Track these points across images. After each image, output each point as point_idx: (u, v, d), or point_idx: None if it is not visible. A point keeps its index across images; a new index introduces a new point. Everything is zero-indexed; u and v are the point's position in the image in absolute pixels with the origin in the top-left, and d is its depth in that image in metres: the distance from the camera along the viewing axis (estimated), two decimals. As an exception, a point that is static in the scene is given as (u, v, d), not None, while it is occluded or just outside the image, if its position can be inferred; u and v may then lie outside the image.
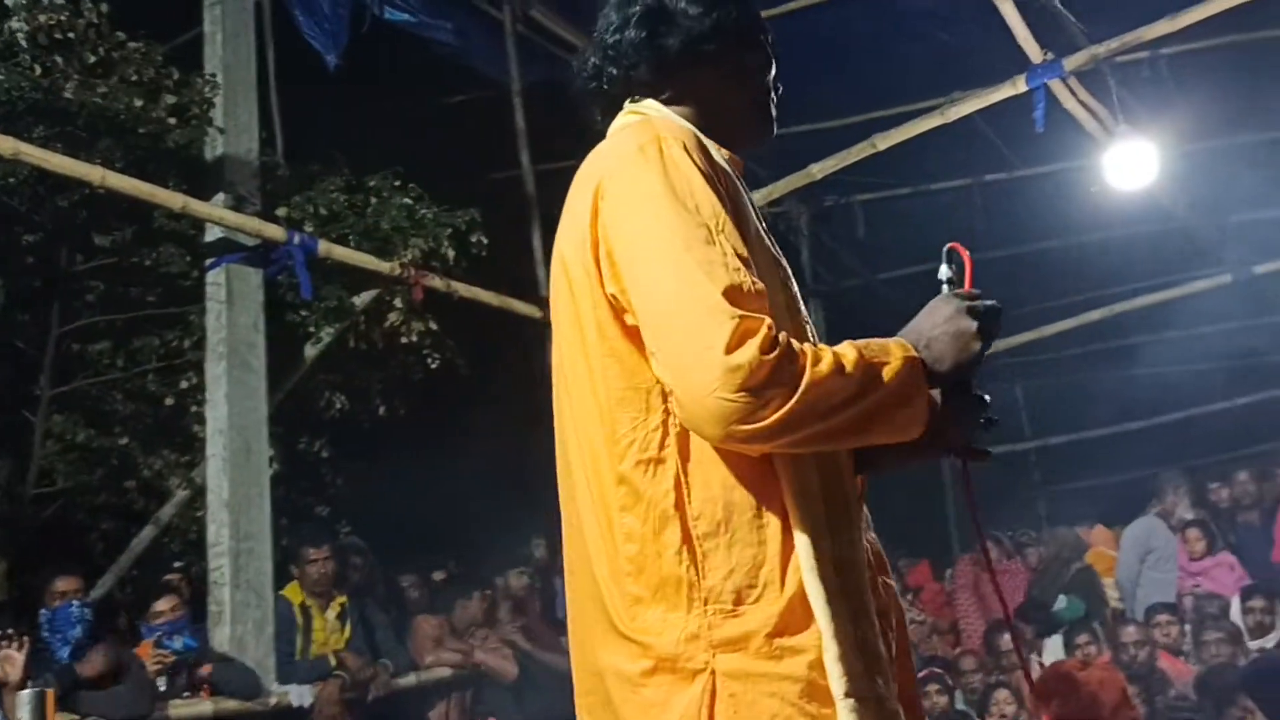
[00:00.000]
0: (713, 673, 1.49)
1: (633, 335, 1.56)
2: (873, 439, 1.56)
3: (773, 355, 1.43)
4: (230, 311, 5.34)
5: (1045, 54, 6.05)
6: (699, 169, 1.58)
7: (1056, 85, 6.12)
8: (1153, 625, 6.61)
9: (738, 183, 1.69)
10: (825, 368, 1.47)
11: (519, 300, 7.11)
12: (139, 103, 5.20)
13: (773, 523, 1.54)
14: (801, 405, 1.44)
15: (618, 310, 1.58)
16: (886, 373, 1.52)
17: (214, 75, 5.49)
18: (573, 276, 1.65)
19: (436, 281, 6.15)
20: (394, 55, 7.14)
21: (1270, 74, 7.42)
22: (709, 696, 1.48)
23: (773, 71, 1.87)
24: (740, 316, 1.45)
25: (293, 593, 5.68)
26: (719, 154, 1.70)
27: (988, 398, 1.72)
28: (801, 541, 1.53)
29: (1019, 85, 6.16)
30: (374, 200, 6.08)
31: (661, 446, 1.56)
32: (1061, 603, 7.15)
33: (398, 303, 6.11)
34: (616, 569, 1.58)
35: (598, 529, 1.61)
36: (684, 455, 1.56)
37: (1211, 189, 8.34)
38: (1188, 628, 6.74)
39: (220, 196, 5.38)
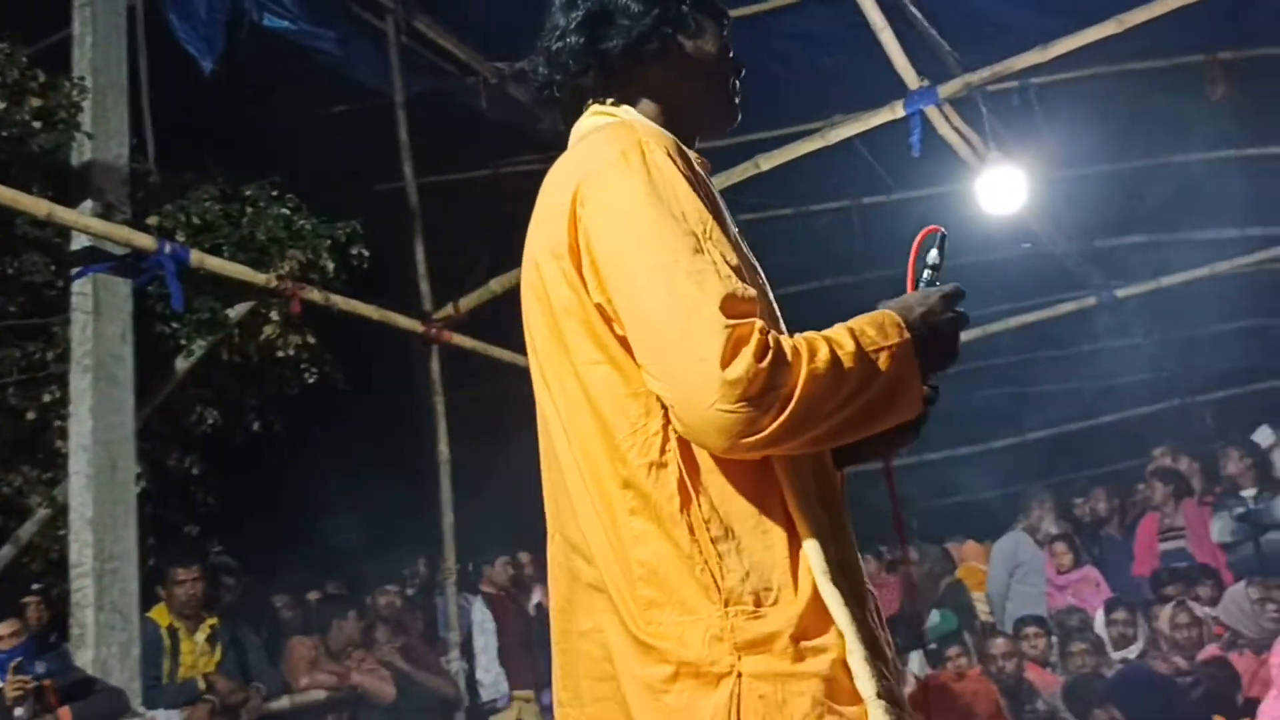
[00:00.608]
0: (739, 675, 1.46)
1: (625, 343, 1.53)
2: (877, 427, 1.55)
3: (767, 361, 1.41)
4: (97, 322, 5.14)
5: (922, 81, 6.23)
6: (683, 174, 1.56)
7: (932, 112, 6.30)
8: (1021, 638, 6.80)
9: (711, 186, 1.67)
10: (822, 364, 1.44)
11: (400, 314, 7.02)
12: (2, 105, 4.99)
13: (775, 528, 1.53)
14: (802, 407, 1.43)
15: (607, 319, 1.54)
16: (884, 359, 1.50)
17: (83, 78, 5.29)
18: (547, 279, 1.61)
19: (315, 294, 6.03)
20: (273, 63, 6.99)
21: (1133, 105, 7.75)
22: (736, 700, 1.45)
23: (729, 56, 1.82)
24: (732, 325, 1.42)
25: (160, 614, 5.50)
26: (695, 159, 1.68)
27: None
28: (810, 546, 1.52)
29: (897, 111, 6.33)
30: (250, 210, 5.93)
31: (663, 451, 1.53)
32: (935, 618, 7.30)
33: (274, 315, 5.98)
34: (628, 573, 1.54)
35: (603, 533, 1.57)
36: (686, 459, 1.53)
37: (1078, 214, 8.67)
38: (1054, 639, 6.95)
39: (88, 204, 5.19)
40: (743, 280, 1.49)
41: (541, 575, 8.57)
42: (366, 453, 7.86)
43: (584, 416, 1.59)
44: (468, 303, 7.37)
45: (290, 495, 7.50)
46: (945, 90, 6.29)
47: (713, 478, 1.53)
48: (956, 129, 6.56)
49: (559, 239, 1.58)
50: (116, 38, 5.52)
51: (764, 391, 1.41)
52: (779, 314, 1.70)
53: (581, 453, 1.60)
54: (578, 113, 1.80)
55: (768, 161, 6.89)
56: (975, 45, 6.94)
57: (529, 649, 7.77)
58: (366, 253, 6.21)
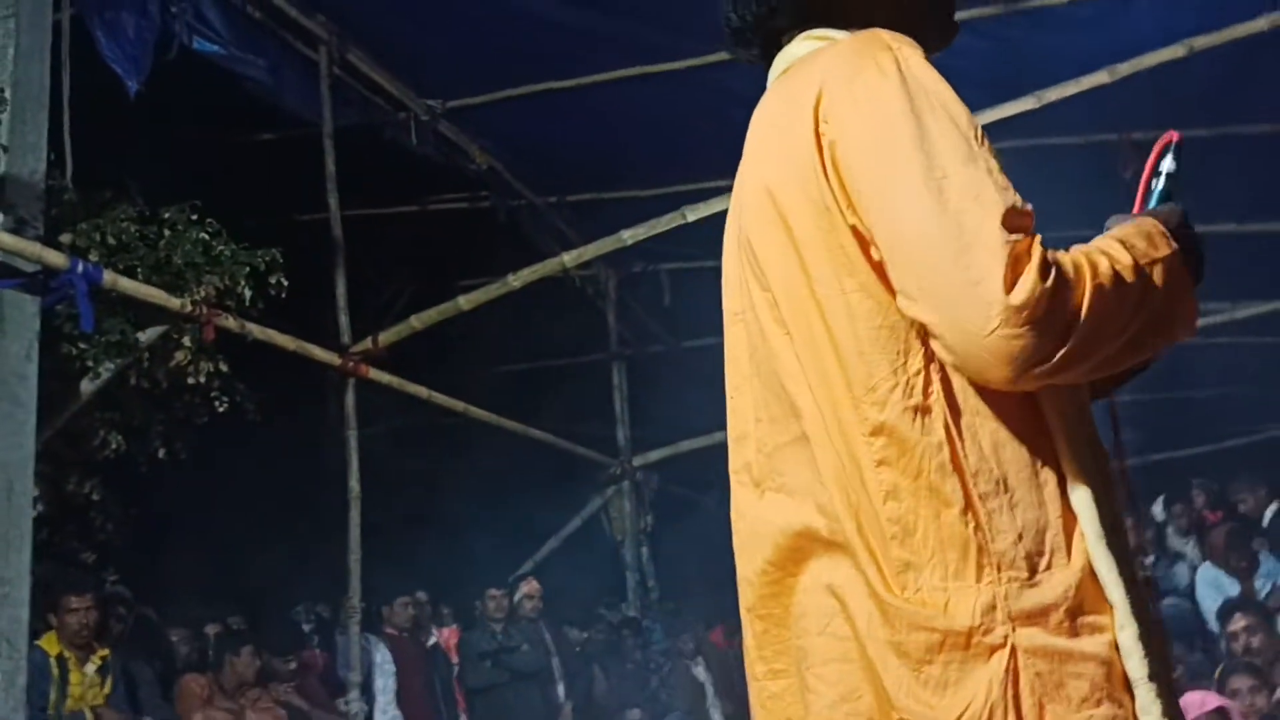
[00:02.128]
0: (1013, 649, 1.33)
1: (882, 270, 1.39)
2: (1160, 345, 1.43)
3: (1052, 279, 1.28)
4: (1, 340, 5.00)
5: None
6: (940, 76, 1.40)
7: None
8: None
9: None
10: (1106, 280, 1.32)
11: (317, 345, 6.94)
12: (-86, 112, 4.87)
13: (1050, 481, 1.39)
14: (1090, 327, 1.30)
15: (863, 243, 1.40)
16: (1159, 272, 1.37)
17: (2, 90, 5.18)
18: (785, 209, 1.46)
19: (230, 321, 5.93)
20: (201, 87, 6.92)
21: (1047, 178, 7.99)
22: (1013, 675, 1.32)
23: None
24: (1012, 242, 1.28)
25: (49, 643, 5.32)
26: None
27: None
28: (1082, 501, 1.39)
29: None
30: (168, 233, 5.82)
31: (926, 393, 1.38)
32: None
33: (187, 341, 5.86)
34: (878, 531, 1.39)
35: (846, 487, 1.42)
36: (951, 404, 1.39)
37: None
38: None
39: (-2, 218, 5.07)
40: (1014, 191, 1.34)
41: (439, 615, 8.52)
42: (273, 486, 7.73)
43: (827, 357, 1.43)
44: (387, 337, 7.31)
45: (192, 526, 7.34)
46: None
47: (982, 422, 1.39)
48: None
49: (804, 158, 1.43)
50: (40, 51, 5.42)
51: (1050, 312, 1.27)
52: None
53: (825, 398, 1.44)
54: (774, 52, 1.66)
55: (694, 213, 6.99)
56: (900, 111, 7.11)
57: (428, 690, 7.67)
58: (285, 282, 6.12)
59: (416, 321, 7.40)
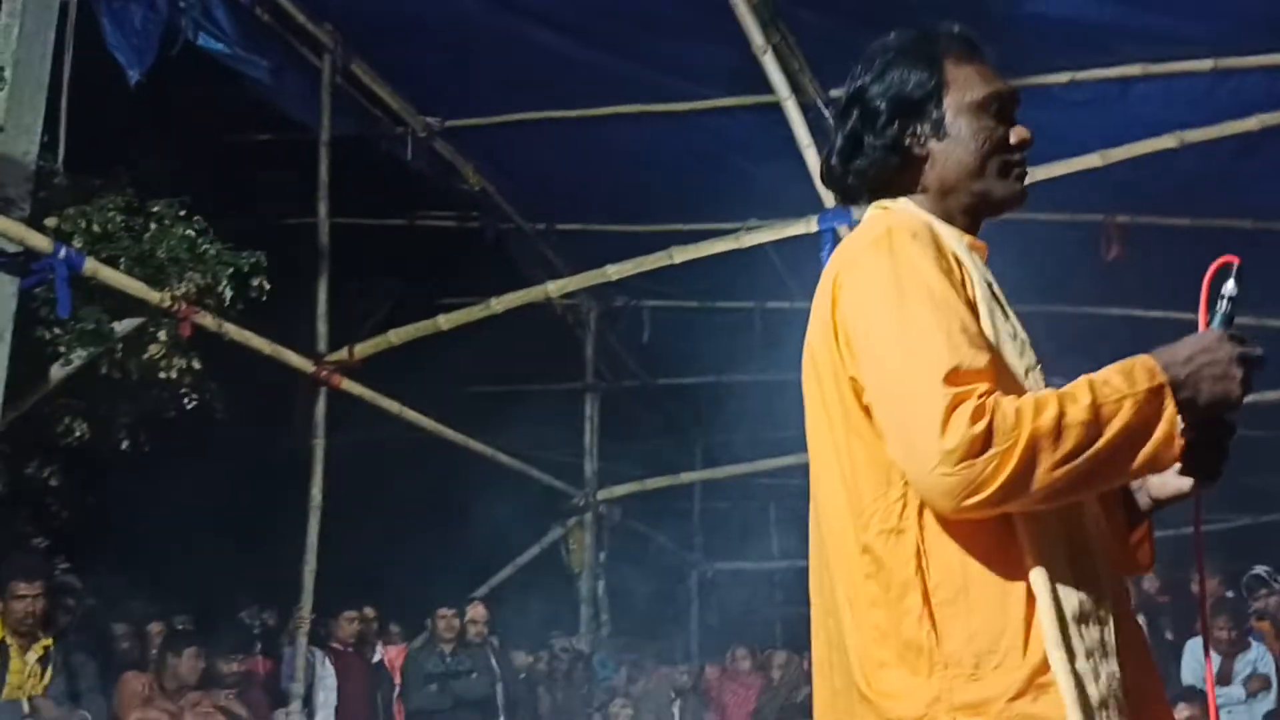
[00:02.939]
0: None
1: (870, 413, 1.64)
2: (1115, 482, 1.60)
3: (983, 425, 1.47)
4: (-26, 318, 4.97)
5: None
6: (927, 253, 1.63)
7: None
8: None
9: (972, 262, 1.70)
10: (1046, 422, 1.48)
11: (293, 351, 6.92)
12: (-90, 84, 4.85)
13: (1015, 589, 1.57)
14: (1021, 467, 1.47)
15: (858, 391, 1.65)
16: (1125, 411, 1.51)
17: (2, 69, 5.17)
18: (819, 364, 1.72)
19: (208, 319, 5.91)
20: (201, 83, 6.92)
21: (1031, 253, 8.07)
22: None
23: (993, 139, 1.77)
24: (954, 393, 1.50)
25: (-9, 628, 5.24)
26: (958, 240, 1.72)
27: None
28: (1045, 609, 1.55)
29: (811, 225, 6.51)
30: (154, 226, 5.81)
31: (901, 517, 1.61)
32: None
33: (162, 335, 5.83)
34: (864, 636, 1.63)
35: (847, 598, 1.67)
36: (922, 525, 1.60)
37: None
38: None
39: (-15, 195, 5.04)
40: (975, 347, 1.56)
41: (386, 631, 8.45)
42: (234, 487, 7.67)
43: (835, 486, 1.70)
44: (363, 349, 7.30)
45: (147, 521, 7.26)
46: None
47: (947, 541, 1.59)
48: (865, 250, 6.76)
49: (825, 321, 1.70)
50: (43, 33, 5.42)
51: (979, 454, 1.47)
52: (1037, 377, 1.69)
53: (833, 520, 1.71)
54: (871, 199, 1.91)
55: (681, 254, 7.02)
56: (892, 173, 7.19)
57: (369, 708, 7.59)
58: (267, 285, 6.12)
59: (394, 336, 7.39)
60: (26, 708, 5.08)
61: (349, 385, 7.30)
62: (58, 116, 5.60)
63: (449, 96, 7.96)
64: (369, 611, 8.17)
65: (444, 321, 7.47)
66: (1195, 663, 7.19)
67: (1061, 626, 1.54)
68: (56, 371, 5.65)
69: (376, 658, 8.14)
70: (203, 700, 6.06)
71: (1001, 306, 1.72)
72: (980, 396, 1.50)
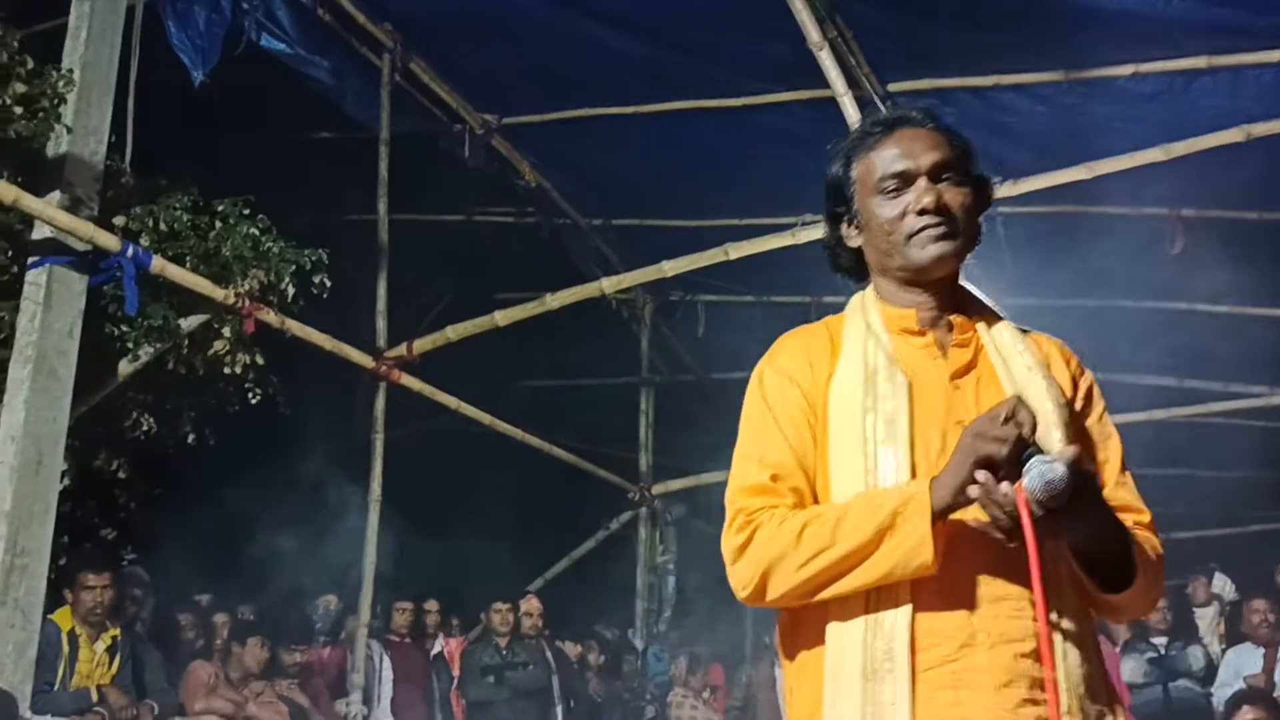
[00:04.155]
0: None
1: None
2: (856, 584, 1.70)
3: (743, 536, 1.77)
4: (46, 314, 5.08)
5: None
6: (775, 370, 1.90)
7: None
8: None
9: (869, 344, 1.86)
10: (784, 534, 1.73)
11: (353, 347, 7.01)
12: (-15, 86, 4.97)
13: (815, 670, 1.77)
14: (759, 571, 1.75)
15: None
16: (865, 525, 1.67)
17: (71, 71, 5.28)
18: None
19: (271, 316, 6.00)
20: (264, 83, 7.02)
21: (1094, 246, 7.97)
22: None
23: (895, 204, 1.86)
24: (735, 507, 1.81)
25: (63, 618, 5.37)
26: (865, 327, 1.89)
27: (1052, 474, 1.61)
28: (826, 673, 1.76)
29: (868, 219, 6.45)
30: (219, 224, 5.91)
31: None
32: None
33: (226, 331, 5.93)
34: None
35: None
36: (787, 611, 1.87)
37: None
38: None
39: (56, 195, 5.14)
40: (767, 466, 1.82)
41: (448, 625, 8.54)
42: (296, 480, 7.78)
43: None
44: (422, 345, 7.37)
45: (213, 513, 7.39)
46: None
47: (798, 623, 1.83)
48: (921, 247, 6.71)
49: None
50: (111, 35, 5.52)
51: (735, 559, 1.78)
52: (895, 453, 1.77)
53: None
54: None
55: (736, 250, 7.01)
56: (951, 167, 7.11)
57: (426, 699, 7.67)
58: (328, 282, 6.21)
59: (452, 332, 7.46)
60: (95, 696, 5.19)
61: (408, 380, 7.38)
62: (124, 117, 5.71)
63: (506, 94, 8.01)
64: (431, 605, 8.25)
65: (500, 317, 7.52)
66: (1238, 667, 7.07)
67: (831, 689, 1.72)
68: (124, 367, 5.77)
69: (436, 650, 8.23)
70: (266, 690, 6.18)
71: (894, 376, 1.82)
72: (747, 512, 1.78)
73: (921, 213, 1.83)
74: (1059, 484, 1.58)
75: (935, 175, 1.84)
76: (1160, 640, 7.53)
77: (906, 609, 1.70)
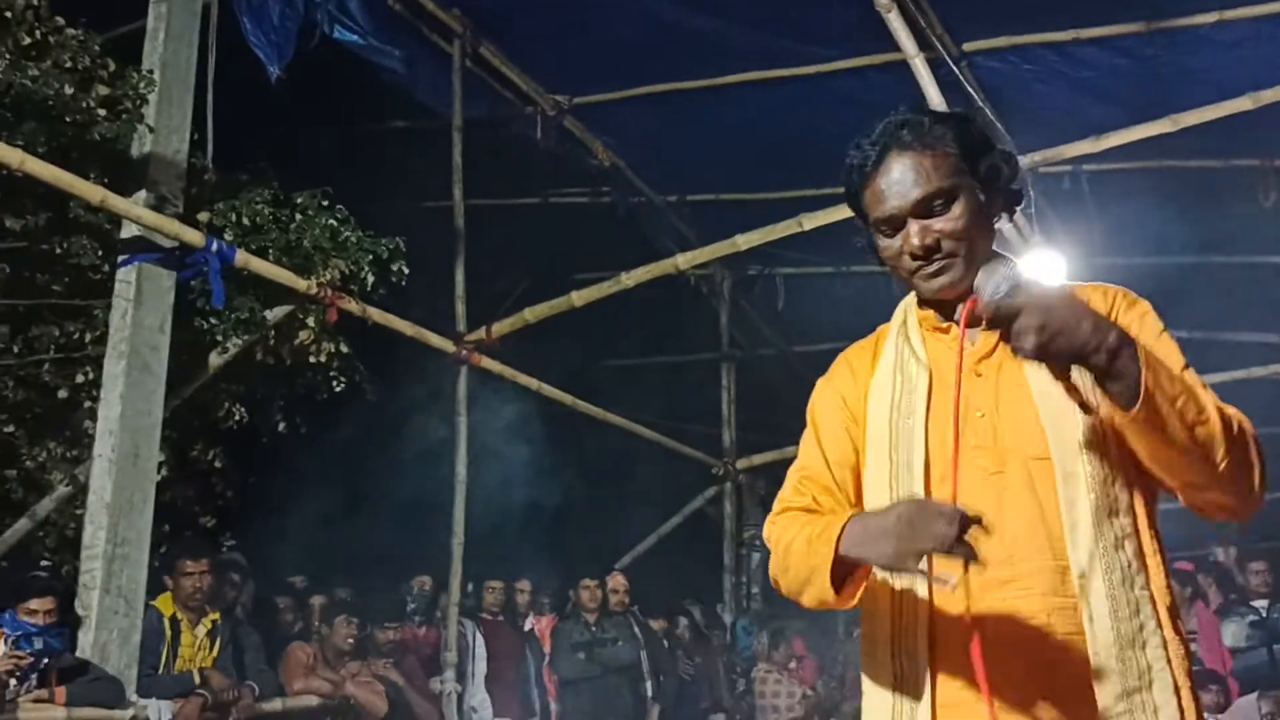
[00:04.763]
0: None
1: None
2: (810, 595, 1.88)
3: (766, 529, 1.99)
4: (137, 311, 5.23)
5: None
6: (826, 386, 2.07)
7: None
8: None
9: (902, 349, 1.97)
10: (775, 547, 1.93)
11: (434, 332, 7.09)
12: (70, 90, 5.10)
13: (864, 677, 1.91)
14: (772, 573, 1.97)
15: None
16: (805, 558, 1.84)
17: (151, 71, 5.41)
18: None
19: (352, 305, 6.10)
20: (337, 75, 7.12)
21: (1183, 202, 7.75)
22: None
23: (891, 243, 1.90)
24: (773, 508, 2.01)
25: (164, 604, 5.53)
26: (902, 333, 2.00)
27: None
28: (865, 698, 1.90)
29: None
30: (299, 217, 6.02)
31: None
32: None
33: (310, 321, 6.05)
34: None
35: None
36: None
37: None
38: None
39: (141, 194, 5.29)
40: (796, 481, 2.01)
41: (538, 603, 8.63)
42: (385, 465, 7.91)
43: None
44: (501, 328, 7.43)
45: (306, 498, 7.55)
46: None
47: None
48: (1003, 208, 6.58)
49: None
50: (189, 35, 5.65)
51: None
52: (918, 432, 1.88)
53: None
54: None
55: (810, 221, 6.93)
56: (1030, 127, 6.98)
57: (520, 677, 7.76)
58: (406, 270, 6.29)
59: (530, 314, 7.51)
60: (198, 679, 5.35)
61: (488, 363, 7.45)
62: (204, 115, 5.84)
63: (576, 74, 8.02)
64: (524, 584, 8.34)
65: (577, 298, 7.55)
66: None
67: (867, 675, 1.87)
68: (215, 359, 5.92)
69: (527, 628, 8.33)
70: (362, 670, 6.31)
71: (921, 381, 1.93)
72: (777, 513, 1.98)
73: (913, 256, 1.87)
74: (1007, 284, 1.60)
75: (923, 211, 1.85)
76: (1261, 603, 7.34)
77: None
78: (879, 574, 1.84)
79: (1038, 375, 1.77)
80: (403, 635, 6.98)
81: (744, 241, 7.31)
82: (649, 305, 9.21)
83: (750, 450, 11.11)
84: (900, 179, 1.86)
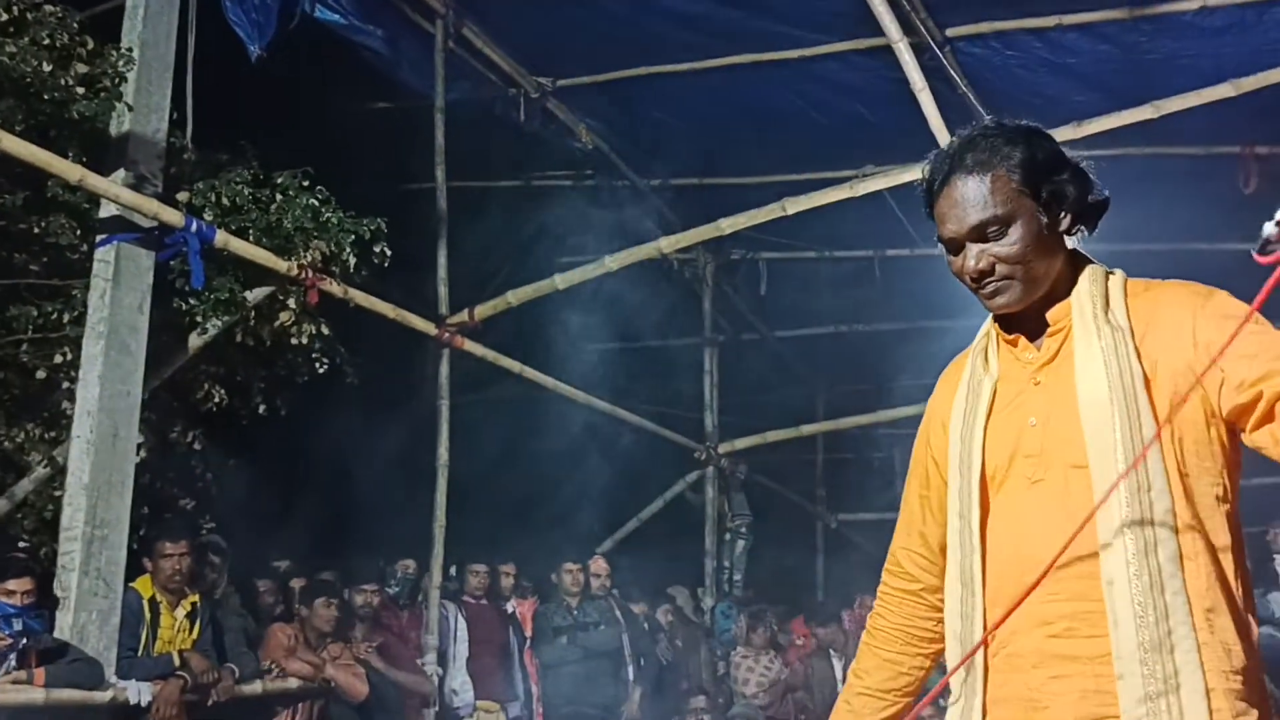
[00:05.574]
0: None
1: None
2: None
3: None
4: (115, 291, 5.19)
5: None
6: (926, 410, 2.15)
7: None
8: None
9: (977, 366, 2.02)
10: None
11: (416, 314, 7.07)
12: (48, 68, 5.05)
13: None
14: None
15: None
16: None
17: (130, 50, 5.36)
18: None
19: (333, 286, 6.07)
20: (319, 55, 7.06)
21: (1164, 189, 7.77)
22: None
23: (955, 262, 1.96)
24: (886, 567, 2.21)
25: (144, 585, 5.51)
26: (980, 347, 2.05)
27: None
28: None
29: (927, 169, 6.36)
30: (279, 197, 5.97)
31: None
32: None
33: (291, 303, 6.01)
34: None
35: None
36: None
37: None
38: None
39: (120, 173, 5.24)
40: (901, 521, 2.19)
41: (520, 587, 8.64)
42: (366, 447, 7.89)
43: None
44: (483, 311, 7.41)
45: (286, 481, 7.53)
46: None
47: None
48: (985, 193, 6.59)
49: None
50: (168, 13, 5.59)
51: None
52: (975, 458, 1.96)
53: None
54: None
55: (794, 205, 6.93)
56: (1011, 112, 6.96)
57: (503, 660, 7.76)
58: (389, 251, 6.26)
59: (513, 297, 7.49)
60: (177, 660, 5.33)
61: (471, 346, 7.43)
62: (184, 94, 5.79)
63: (560, 56, 7.99)
64: (508, 568, 8.34)
65: (560, 281, 7.54)
66: None
67: (949, 634, 1.97)
68: (194, 340, 5.88)
69: (509, 611, 8.33)
70: (343, 652, 6.30)
71: (987, 401, 1.98)
72: (882, 585, 2.21)
73: (971, 278, 1.93)
74: None
75: (979, 235, 1.89)
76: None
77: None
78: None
79: (1086, 382, 1.81)
80: (382, 618, 6.97)
81: (727, 225, 7.31)
82: (633, 289, 9.20)
83: (732, 435, 11.12)
84: (959, 203, 1.90)
